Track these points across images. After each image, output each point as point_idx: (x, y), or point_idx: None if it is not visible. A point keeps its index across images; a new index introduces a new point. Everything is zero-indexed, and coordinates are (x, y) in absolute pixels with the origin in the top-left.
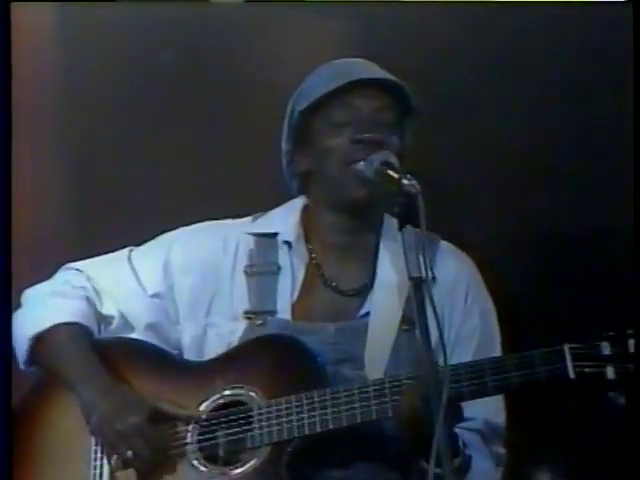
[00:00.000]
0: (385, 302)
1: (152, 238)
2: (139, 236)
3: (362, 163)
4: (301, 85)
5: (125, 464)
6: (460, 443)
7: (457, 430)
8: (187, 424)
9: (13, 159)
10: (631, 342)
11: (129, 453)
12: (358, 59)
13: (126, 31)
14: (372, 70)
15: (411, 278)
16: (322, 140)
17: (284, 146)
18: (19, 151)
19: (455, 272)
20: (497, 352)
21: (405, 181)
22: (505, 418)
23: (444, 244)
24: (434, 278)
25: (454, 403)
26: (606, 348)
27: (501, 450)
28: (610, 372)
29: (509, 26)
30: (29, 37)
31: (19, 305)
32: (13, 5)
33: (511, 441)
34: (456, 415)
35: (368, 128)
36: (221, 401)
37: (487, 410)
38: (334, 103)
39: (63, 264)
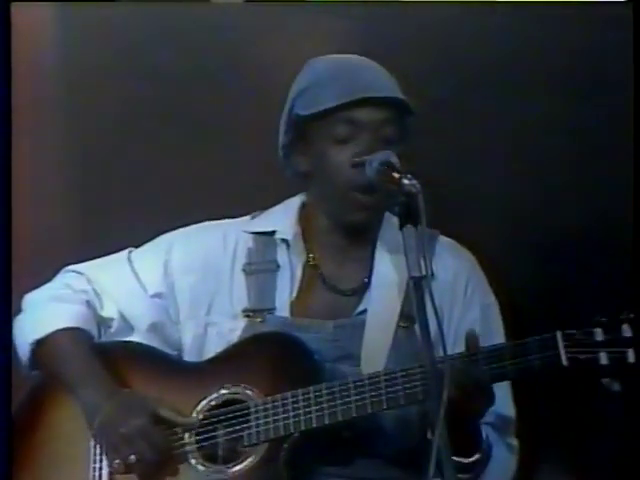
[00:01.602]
0: (382, 299)
1: (152, 239)
2: (139, 236)
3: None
4: (300, 80)
5: (127, 468)
6: (483, 435)
7: None
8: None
9: (13, 159)
10: (624, 327)
11: (132, 457)
12: (360, 61)
13: (126, 31)
14: (378, 83)
15: (412, 277)
16: (322, 149)
17: (281, 139)
18: (19, 151)
19: (455, 267)
20: None
21: (405, 181)
22: (514, 410)
23: (443, 239)
24: (433, 274)
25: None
26: (599, 334)
27: (514, 442)
28: (603, 358)
29: (509, 26)
30: (29, 37)
31: (19, 310)
32: (13, 5)
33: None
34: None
35: (369, 147)
36: (219, 400)
37: (497, 403)
38: (336, 116)
39: (63, 265)
